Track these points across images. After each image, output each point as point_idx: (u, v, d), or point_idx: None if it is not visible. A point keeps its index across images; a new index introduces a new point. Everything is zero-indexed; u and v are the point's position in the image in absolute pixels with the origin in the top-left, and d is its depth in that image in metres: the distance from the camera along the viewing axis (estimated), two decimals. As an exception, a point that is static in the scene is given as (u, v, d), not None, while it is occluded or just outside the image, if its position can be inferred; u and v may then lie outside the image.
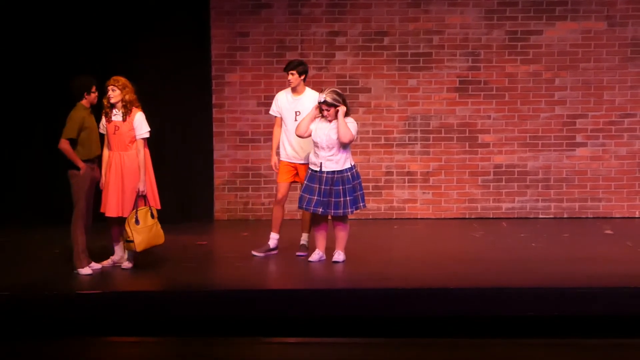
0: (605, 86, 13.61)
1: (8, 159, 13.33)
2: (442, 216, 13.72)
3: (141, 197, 9.76)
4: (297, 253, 10.60)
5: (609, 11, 13.53)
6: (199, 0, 13.56)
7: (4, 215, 13.06)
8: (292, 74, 10.42)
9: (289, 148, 10.50)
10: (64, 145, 9.50)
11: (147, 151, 9.90)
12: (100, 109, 9.92)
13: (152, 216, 9.79)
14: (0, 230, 12.55)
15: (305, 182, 10.16)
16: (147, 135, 9.87)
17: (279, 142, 10.63)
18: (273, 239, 10.61)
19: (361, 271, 9.93)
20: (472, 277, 9.52)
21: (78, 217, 9.58)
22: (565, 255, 10.72)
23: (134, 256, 9.92)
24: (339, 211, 10.04)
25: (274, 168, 10.68)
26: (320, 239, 10.25)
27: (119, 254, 10.04)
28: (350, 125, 10.03)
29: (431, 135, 13.71)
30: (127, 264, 9.93)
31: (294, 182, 10.59)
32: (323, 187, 10.03)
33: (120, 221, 9.83)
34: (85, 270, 9.61)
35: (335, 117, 10.00)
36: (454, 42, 13.63)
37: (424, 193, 13.77)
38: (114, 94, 9.77)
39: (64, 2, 13.18)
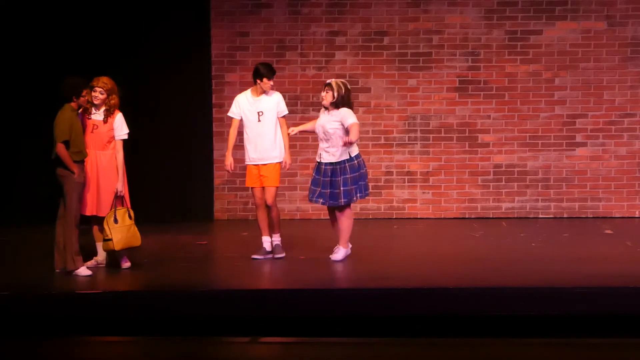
0: (605, 86, 13.61)
1: (8, 158, 13.34)
2: (442, 216, 13.72)
3: (119, 198, 9.79)
4: (255, 256, 10.55)
5: (609, 11, 13.53)
6: (199, 0, 13.56)
7: (4, 215, 13.06)
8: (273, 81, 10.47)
9: (252, 151, 10.45)
10: (61, 149, 9.47)
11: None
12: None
13: (130, 217, 9.81)
14: (0, 229, 12.55)
15: (313, 174, 10.23)
16: (126, 136, 9.90)
17: (234, 143, 10.55)
18: (266, 242, 10.58)
19: (361, 271, 9.93)
20: (472, 277, 9.52)
21: (72, 218, 9.56)
22: (565, 255, 10.72)
23: (123, 255, 9.93)
24: (339, 201, 10.05)
25: (229, 169, 10.58)
26: (336, 232, 10.27)
27: (103, 255, 10.02)
28: (347, 115, 10.02)
29: (431, 135, 13.71)
30: (125, 264, 9.93)
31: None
32: (323, 178, 10.08)
33: (98, 220, 9.86)
34: (84, 271, 9.60)
35: (330, 105, 10.02)
36: (454, 42, 13.63)
37: (423, 193, 13.77)
38: (101, 97, 9.76)
39: (64, 2, 13.18)
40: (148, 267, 10.10)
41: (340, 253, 10.21)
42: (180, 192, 13.56)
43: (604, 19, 13.55)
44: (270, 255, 10.51)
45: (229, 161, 10.54)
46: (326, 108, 10.11)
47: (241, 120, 10.49)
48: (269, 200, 10.44)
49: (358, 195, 10.14)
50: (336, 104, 10.05)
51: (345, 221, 10.18)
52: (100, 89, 9.75)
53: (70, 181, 9.55)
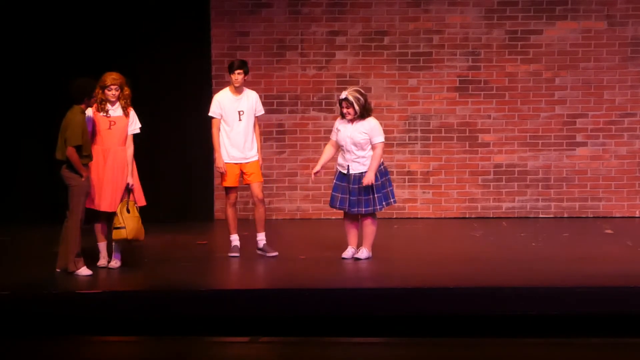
0: (605, 85, 13.61)
1: (8, 158, 13.34)
2: (442, 216, 13.72)
3: (128, 190, 9.87)
4: (230, 254, 10.58)
5: (609, 10, 13.53)
6: (199, 0, 13.55)
7: (4, 214, 13.07)
8: (240, 74, 10.42)
9: (232, 149, 10.48)
10: (73, 153, 9.46)
11: None
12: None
13: (137, 210, 9.93)
14: (1, 229, 12.55)
15: (335, 181, 10.23)
16: (139, 131, 9.99)
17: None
18: (235, 240, 10.62)
19: (361, 271, 9.93)
20: (472, 276, 9.52)
21: (77, 220, 9.55)
22: (565, 255, 10.72)
23: (121, 252, 9.96)
24: (369, 208, 10.10)
25: (222, 170, 10.54)
26: (352, 236, 10.32)
27: (105, 255, 10.01)
28: (376, 131, 10.10)
29: (431, 135, 13.71)
30: (114, 263, 9.94)
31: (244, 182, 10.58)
32: (352, 185, 10.10)
33: (110, 217, 9.89)
34: (85, 271, 9.59)
35: (355, 117, 10.03)
36: (454, 42, 13.63)
37: (424, 192, 13.76)
38: (116, 93, 9.78)
39: (64, 2, 13.19)
40: (148, 267, 10.11)
41: (364, 253, 10.26)
42: (180, 192, 13.56)
43: (604, 18, 13.55)
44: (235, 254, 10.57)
45: (221, 163, 10.52)
46: (349, 120, 10.13)
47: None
48: (259, 195, 10.52)
49: (391, 200, 10.24)
50: (361, 115, 10.09)
51: (372, 226, 10.25)
52: (115, 86, 9.78)
53: (77, 183, 9.54)
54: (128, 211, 9.79)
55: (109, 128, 9.81)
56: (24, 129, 13.26)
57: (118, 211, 9.76)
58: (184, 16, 13.46)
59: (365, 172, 10.11)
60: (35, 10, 13.20)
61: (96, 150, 9.77)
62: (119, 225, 9.77)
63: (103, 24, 13.18)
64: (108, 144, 9.80)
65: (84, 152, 9.52)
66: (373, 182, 10.07)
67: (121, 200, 9.81)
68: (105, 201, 9.78)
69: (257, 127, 10.59)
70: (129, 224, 9.76)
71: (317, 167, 10.41)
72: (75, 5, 13.19)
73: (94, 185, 9.73)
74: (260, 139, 10.68)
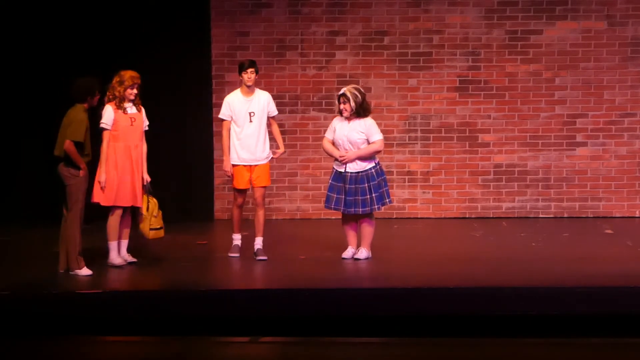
0: (605, 85, 13.61)
1: (8, 158, 13.35)
2: (442, 216, 13.72)
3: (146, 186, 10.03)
4: (230, 254, 10.57)
5: (609, 10, 13.53)
6: (199, 0, 13.56)
7: (4, 214, 13.07)
8: (252, 72, 10.39)
9: (243, 151, 10.39)
10: (70, 146, 9.47)
11: None
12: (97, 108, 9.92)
13: None
14: (1, 229, 12.55)
15: (330, 181, 10.22)
16: (147, 127, 10.12)
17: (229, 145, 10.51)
18: (237, 239, 10.60)
19: (361, 271, 9.93)
20: (472, 276, 9.52)
21: (76, 218, 9.56)
22: (565, 255, 10.72)
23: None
24: (367, 209, 10.08)
25: (229, 174, 10.46)
26: (351, 237, 10.32)
27: (125, 253, 10.05)
28: (373, 130, 10.12)
29: (431, 135, 13.71)
30: (132, 258, 10.06)
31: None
32: (348, 185, 10.09)
33: (124, 215, 9.98)
34: (85, 271, 9.60)
35: (351, 115, 10.03)
36: (454, 42, 13.63)
37: (424, 192, 13.77)
38: (137, 91, 9.87)
39: (64, 2, 13.19)
40: (148, 267, 10.10)
41: (363, 253, 10.26)
42: (180, 192, 13.56)
43: (604, 18, 13.55)
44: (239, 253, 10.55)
45: (229, 167, 10.47)
46: (346, 117, 10.13)
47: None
48: (260, 199, 10.47)
49: (387, 200, 10.23)
50: (357, 113, 10.08)
51: (370, 226, 10.26)
52: (137, 84, 9.89)
53: (75, 182, 9.54)
54: (159, 209, 10.05)
55: (132, 125, 9.89)
56: (24, 129, 13.27)
57: (155, 212, 9.95)
58: (184, 16, 13.47)
59: (362, 171, 10.11)
60: (35, 10, 13.21)
61: (122, 147, 9.85)
62: (158, 226, 10.01)
63: (103, 23, 13.19)
64: (132, 140, 9.90)
65: (85, 152, 9.54)
66: (350, 160, 10.05)
67: (145, 198, 9.97)
68: (135, 197, 9.87)
69: (275, 126, 10.56)
70: (162, 224, 10.05)
71: (339, 152, 10.20)
72: (75, 5, 13.20)
73: (122, 182, 9.79)
74: (280, 134, 10.69)
